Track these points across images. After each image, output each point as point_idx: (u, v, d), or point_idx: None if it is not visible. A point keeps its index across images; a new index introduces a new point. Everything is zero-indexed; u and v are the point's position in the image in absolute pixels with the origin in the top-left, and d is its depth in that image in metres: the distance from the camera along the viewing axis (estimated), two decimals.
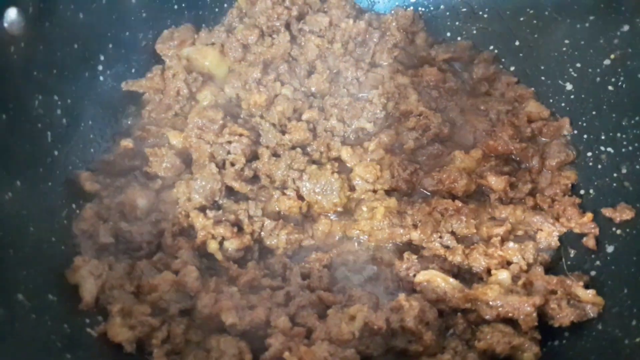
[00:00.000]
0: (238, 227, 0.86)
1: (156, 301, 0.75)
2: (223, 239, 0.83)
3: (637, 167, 0.85)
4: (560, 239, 0.88)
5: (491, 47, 1.12)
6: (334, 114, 1.00)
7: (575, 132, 0.98)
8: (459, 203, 0.87)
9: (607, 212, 0.85)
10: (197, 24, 1.11)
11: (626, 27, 0.90)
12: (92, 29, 0.95)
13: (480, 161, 0.96)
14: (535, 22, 1.04)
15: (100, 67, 0.97)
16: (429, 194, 0.94)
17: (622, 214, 0.83)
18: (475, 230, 0.89)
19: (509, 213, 0.91)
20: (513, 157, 0.98)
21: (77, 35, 0.91)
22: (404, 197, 0.92)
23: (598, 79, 0.94)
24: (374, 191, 0.93)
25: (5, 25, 0.76)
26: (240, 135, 0.91)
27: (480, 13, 1.13)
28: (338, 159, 0.98)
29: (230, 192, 0.90)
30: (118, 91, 1.01)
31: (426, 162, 0.97)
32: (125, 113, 1.01)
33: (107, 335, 0.72)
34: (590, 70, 0.96)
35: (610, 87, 0.92)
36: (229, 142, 0.91)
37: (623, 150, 0.88)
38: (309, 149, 0.97)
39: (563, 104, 1.01)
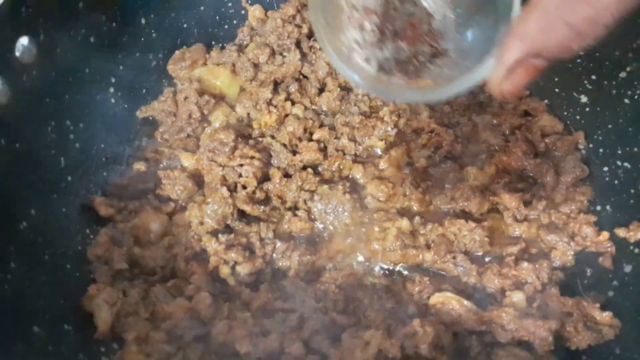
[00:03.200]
0: (250, 250, 0.86)
1: (171, 328, 0.76)
2: (235, 263, 0.84)
3: None
4: (576, 257, 0.87)
5: None
6: (345, 133, 0.99)
7: (591, 146, 0.96)
8: (472, 223, 0.86)
9: (620, 231, 0.84)
10: (207, 41, 1.11)
11: None
12: (103, 52, 0.95)
13: (493, 177, 0.94)
14: None
15: (111, 90, 0.98)
16: (442, 211, 0.93)
17: (637, 232, 0.82)
18: (489, 249, 0.88)
19: (523, 231, 0.90)
20: (527, 172, 0.96)
21: (88, 59, 0.92)
22: (417, 217, 0.91)
23: (614, 91, 0.92)
24: (387, 210, 0.93)
25: (17, 54, 0.77)
26: (252, 157, 0.91)
27: None
28: (350, 178, 0.97)
29: (242, 214, 0.90)
30: (130, 113, 1.02)
31: (439, 179, 0.96)
32: (138, 135, 1.02)
33: None
34: (605, 82, 0.94)
35: (626, 100, 0.90)
36: (241, 165, 0.91)
37: None
38: (320, 169, 0.97)
39: (578, 117, 0.99)
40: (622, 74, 0.91)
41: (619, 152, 0.91)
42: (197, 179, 0.95)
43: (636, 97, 0.89)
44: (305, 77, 1.06)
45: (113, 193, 0.93)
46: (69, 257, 0.81)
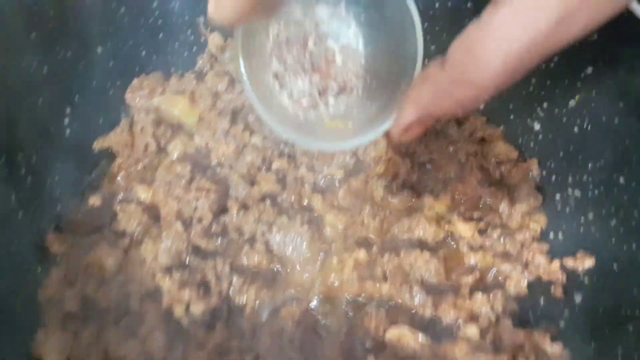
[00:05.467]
0: (205, 286, 0.85)
1: None
2: (189, 301, 0.83)
3: (604, 212, 0.85)
4: (529, 287, 0.89)
5: None
6: (304, 162, 0.99)
7: (544, 173, 0.98)
8: (427, 255, 0.87)
9: (568, 261, 0.85)
10: (166, 69, 1.11)
11: (590, 69, 0.90)
12: (57, 82, 0.93)
13: (449, 206, 0.96)
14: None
15: (66, 120, 0.96)
16: (399, 240, 0.94)
17: (583, 262, 0.84)
18: (444, 279, 0.89)
19: (478, 260, 0.91)
20: (482, 200, 0.98)
21: (41, 89, 0.90)
22: (374, 246, 0.92)
23: (564, 119, 0.94)
24: (345, 240, 0.93)
25: None
26: (208, 190, 0.91)
27: None
28: (309, 208, 0.97)
29: (198, 248, 0.89)
30: (86, 145, 1.00)
31: (396, 208, 0.97)
32: (94, 167, 1.00)
33: None
34: (556, 110, 0.96)
35: (576, 129, 0.92)
36: (197, 198, 0.90)
37: (590, 194, 0.88)
38: (279, 199, 0.97)
39: (531, 144, 1.01)
40: (572, 102, 0.93)
41: (570, 179, 0.93)
42: (154, 211, 0.94)
43: (585, 125, 0.91)
44: None
45: (66, 228, 0.91)
46: (18, 298, 0.79)
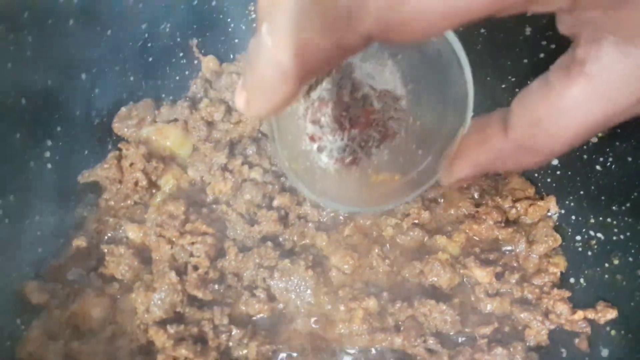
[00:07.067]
0: (202, 341, 0.78)
1: None
2: (186, 359, 0.75)
3: (630, 259, 0.80)
4: (551, 336, 0.83)
5: (472, 115, 1.06)
6: (307, 198, 0.92)
7: (563, 212, 0.93)
8: (442, 305, 0.81)
9: (588, 313, 0.80)
10: (157, 96, 1.03)
11: None
12: (37, 114, 0.85)
13: (464, 246, 0.90)
14: (517, 90, 0.98)
15: (47, 154, 0.88)
16: (410, 284, 0.88)
17: (605, 314, 0.78)
18: (460, 328, 0.83)
19: (495, 307, 0.85)
20: (498, 241, 0.92)
21: (19, 123, 0.82)
22: (384, 293, 0.85)
23: (585, 156, 0.89)
24: (352, 285, 0.86)
25: None
26: (204, 233, 0.84)
27: None
28: (313, 248, 0.90)
29: (193, 298, 0.82)
30: (70, 179, 0.92)
31: (407, 248, 0.90)
32: (79, 203, 0.92)
33: None
34: None
35: (598, 167, 0.87)
36: (192, 243, 0.83)
37: (614, 238, 0.83)
38: (280, 239, 0.90)
39: (549, 180, 0.96)
40: (594, 139, 0.87)
41: (592, 221, 0.87)
42: (145, 253, 0.87)
43: (608, 164, 0.85)
44: (264, 134, 0.99)
45: (48, 274, 0.83)
46: None
